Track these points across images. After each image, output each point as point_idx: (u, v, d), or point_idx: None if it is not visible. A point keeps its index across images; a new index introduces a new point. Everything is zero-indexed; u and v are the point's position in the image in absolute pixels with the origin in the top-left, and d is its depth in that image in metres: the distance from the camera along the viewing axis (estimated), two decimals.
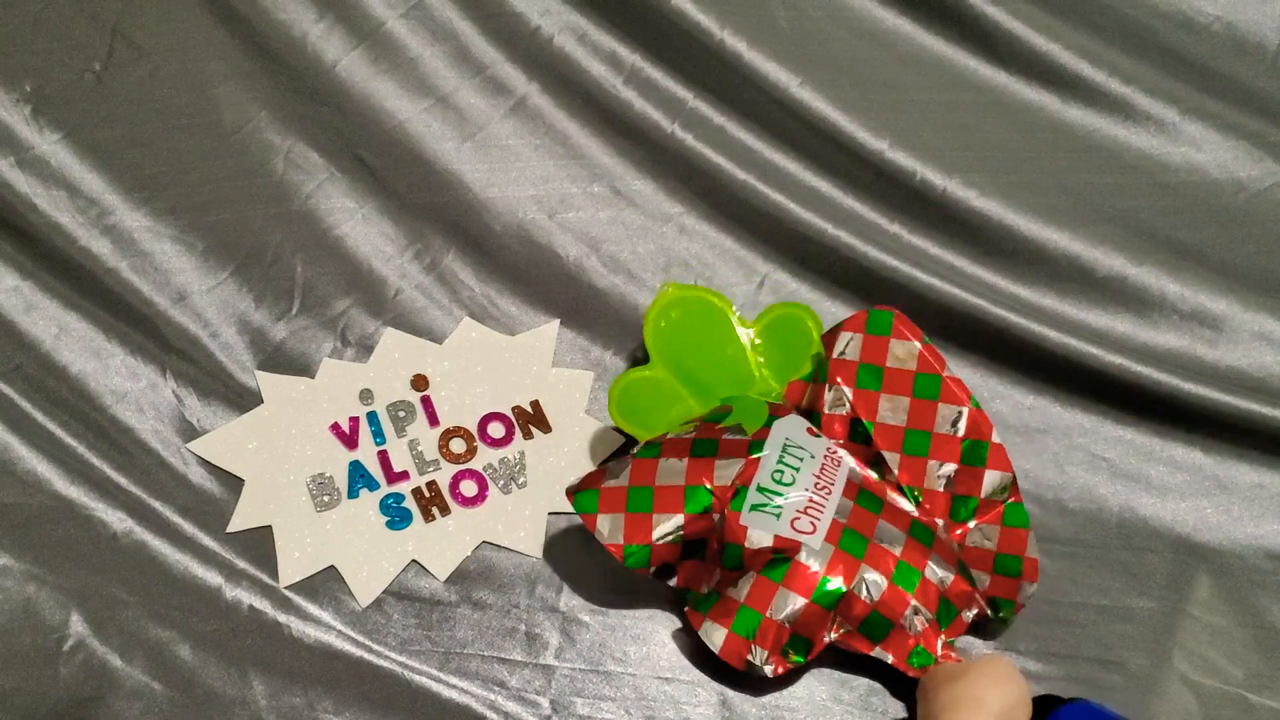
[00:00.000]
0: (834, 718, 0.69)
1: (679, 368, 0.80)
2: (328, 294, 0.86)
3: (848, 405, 0.74)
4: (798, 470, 0.70)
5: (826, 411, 0.75)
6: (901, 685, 0.70)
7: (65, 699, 0.67)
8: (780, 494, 0.69)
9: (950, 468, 0.72)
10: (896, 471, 0.73)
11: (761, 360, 0.80)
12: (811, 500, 0.69)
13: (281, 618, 0.71)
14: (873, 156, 0.84)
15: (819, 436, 0.74)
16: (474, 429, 0.81)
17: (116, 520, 0.73)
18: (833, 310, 0.86)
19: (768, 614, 0.66)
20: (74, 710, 0.67)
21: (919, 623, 0.67)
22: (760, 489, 0.69)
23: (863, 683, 0.71)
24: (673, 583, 0.71)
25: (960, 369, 0.84)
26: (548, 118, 0.88)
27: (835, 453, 0.73)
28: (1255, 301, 0.83)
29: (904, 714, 0.70)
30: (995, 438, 0.72)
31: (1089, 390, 0.82)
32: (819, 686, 0.70)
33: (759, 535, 0.68)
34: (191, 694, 0.68)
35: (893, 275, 0.83)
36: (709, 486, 0.70)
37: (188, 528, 0.74)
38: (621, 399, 0.78)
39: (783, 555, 0.67)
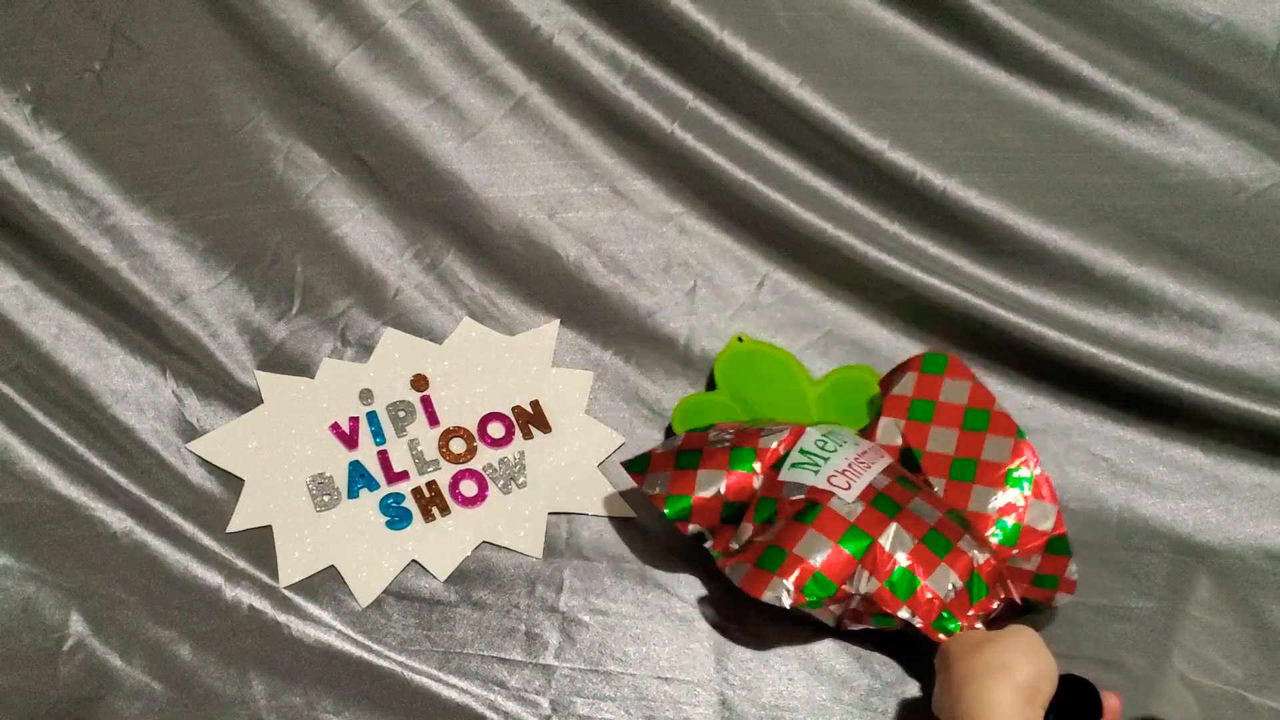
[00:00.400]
0: (834, 718, 0.69)
1: (743, 404, 0.82)
2: (328, 294, 0.86)
3: (899, 436, 0.76)
4: (841, 445, 0.73)
5: (879, 442, 0.77)
6: (901, 686, 0.70)
7: (65, 699, 0.67)
8: (822, 457, 0.71)
9: (994, 495, 0.72)
10: (942, 495, 0.74)
11: (820, 415, 0.82)
12: (849, 468, 0.71)
13: (281, 618, 0.71)
14: (872, 156, 0.84)
15: (867, 439, 0.76)
16: (474, 429, 0.81)
17: (116, 520, 0.73)
18: (832, 310, 0.86)
19: (794, 550, 0.67)
20: (74, 710, 0.67)
21: (948, 586, 0.67)
22: (803, 451, 0.72)
23: (863, 683, 0.71)
24: (708, 545, 0.72)
25: None
26: (548, 118, 0.88)
27: (879, 449, 0.75)
28: (1255, 301, 0.83)
29: (905, 714, 0.70)
30: (1039, 470, 0.73)
31: (1089, 390, 0.82)
32: (819, 686, 0.70)
33: (795, 488, 0.70)
34: (191, 694, 0.68)
35: (893, 275, 0.83)
36: (755, 448, 0.72)
37: (188, 528, 0.74)
38: (686, 417, 0.81)
39: (813, 503, 0.68)
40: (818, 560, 0.66)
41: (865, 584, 0.67)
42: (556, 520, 0.78)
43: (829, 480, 0.70)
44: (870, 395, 0.82)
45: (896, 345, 0.85)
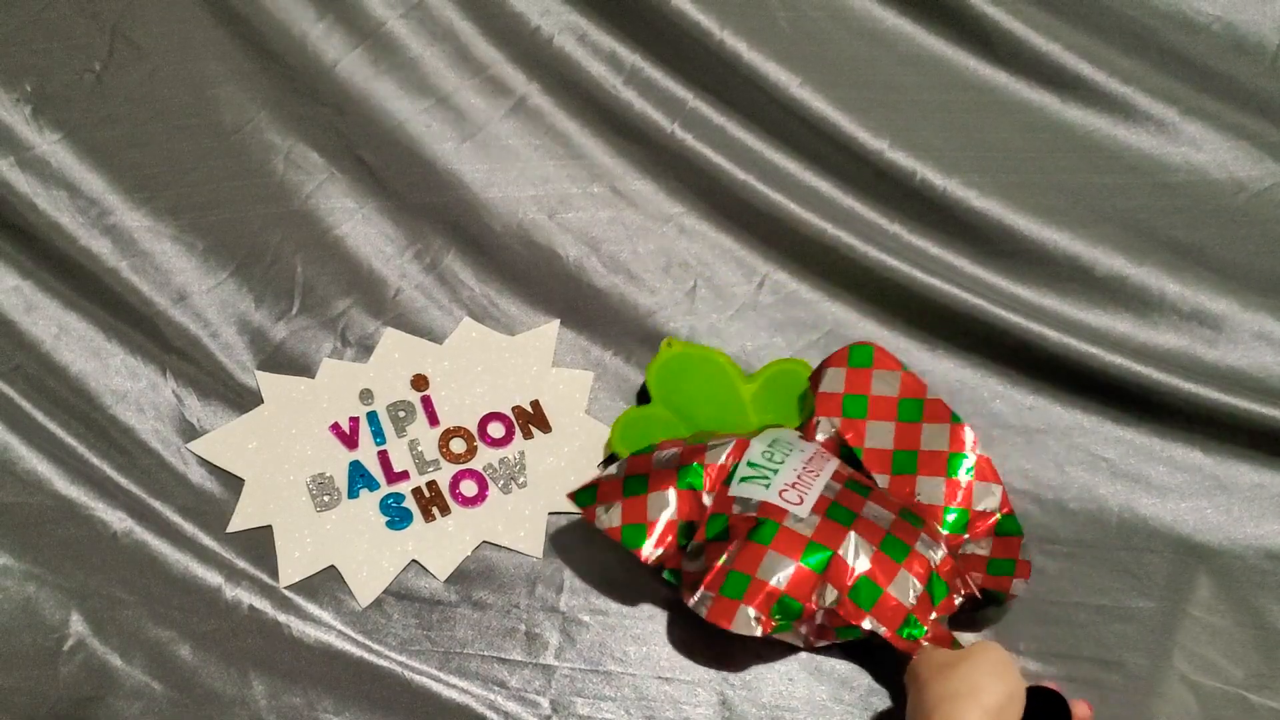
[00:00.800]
0: (834, 718, 0.69)
1: (680, 413, 0.81)
2: (328, 294, 0.86)
3: (836, 435, 0.76)
4: (788, 454, 0.72)
5: (818, 440, 0.77)
6: (902, 686, 0.70)
7: (65, 699, 0.67)
8: (771, 469, 0.70)
9: (939, 484, 0.73)
10: (888, 490, 0.74)
11: (758, 418, 0.81)
12: (800, 478, 0.70)
13: (281, 618, 0.71)
14: (873, 156, 0.84)
15: (811, 441, 0.75)
16: (474, 429, 0.81)
17: (116, 520, 0.73)
18: (832, 310, 0.86)
19: (756, 575, 0.66)
20: (74, 710, 0.67)
21: (910, 593, 0.67)
22: (750, 464, 0.71)
23: (864, 683, 0.71)
24: (666, 574, 0.71)
25: (960, 369, 0.84)
26: (548, 118, 0.88)
27: (825, 453, 0.74)
28: (1255, 301, 0.83)
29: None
30: (980, 451, 0.73)
31: (1089, 390, 0.82)
32: (819, 686, 0.70)
33: (747, 503, 0.69)
34: (191, 694, 0.68)
35: (893, 275, 0.83)
36: (701, 464, 0.71)
37: (188, 528, 0.74)
38: (625, 433, 0.80)
39: (769, 521, 0.68)
40: (782, 582, 0.66)
41: (829, 597, 0.67)
42: (556, 520, 0.78)
43: (780, 495, 0.69)
44: (803, 388, 0.81)
45: (896, 345, 0.85)
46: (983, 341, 0.83)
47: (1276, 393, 0.80)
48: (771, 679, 0.71)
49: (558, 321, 0.87)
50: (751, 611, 0.65)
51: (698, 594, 0.67)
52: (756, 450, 0.72)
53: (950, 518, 0.72)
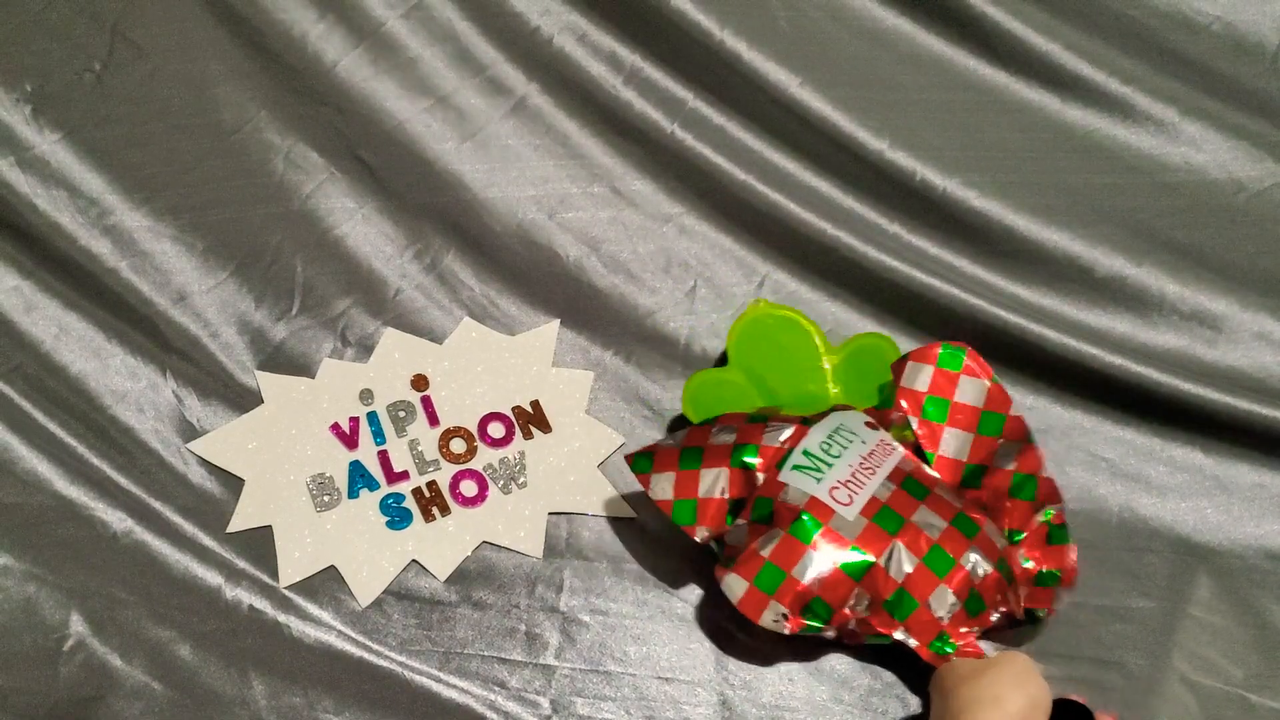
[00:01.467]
0: (834, 718, 0.69)
1: (754, 376, 0.81)
2: (328, 294, 0.86)
3: (912, 434, 0.75)
4: (846, 448, 0.71)
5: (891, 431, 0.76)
6: (901, 687, 0.70)
7: (65, 699, 0.67)
8: (826, 462, 0.70)
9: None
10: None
11: (837, 390, 0.81)
12: (853, 476, 0.69)
13: (281, 618, 0.71)
14: (873, 156, 0.84)
15: (876, 429, 0.74)
16: (474, 429, 0.81)
17: (116, 520, 0.74)
18: (832, 310, 0.86)
19: (792, 573, 0.66)
20: (74, 710, 0.67)
21: (945, 608, 0.66)
22: (806, 453, 0.70)
23: (864, 683, 0.71)
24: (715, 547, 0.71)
25: None
26: (548, 118, 0.88)
27: (889, 444, 0.73)
28: (1255, 301, 0.83)
29: (904, 714, 0.70)
30: (1045, 472, 0.73)
31: (1089, 390, 0.82)
32: (820, 687, 0.70)
33: (795, 492, 0.68)
34: (191, 694, 0.68)
35: (892, 275, 0.83)
36: (757, 445, 0.71)
37: (188, 528, 0.74)
38: (695, 395, 0.79)
39: (814, 518, 0.67)
40: (816, 584, 0.66)
41: (863, 604, 0.67)
42: (556, 520, 0.78)
43: (830, 492, 0.68)
44: (887, 365, 0.79)
45: (897, 345, 0.85)
46: (983, 341, 0.83)
47: (1276, 393, 0.80)
48: (771, 679, 0.71)
49: (558, 321, 0.87)
50: (782, 609, 0.66)
51: (730, 577, 0.67)
52: (815, 439, 0.71)
53: (1006, 535, 0.71)
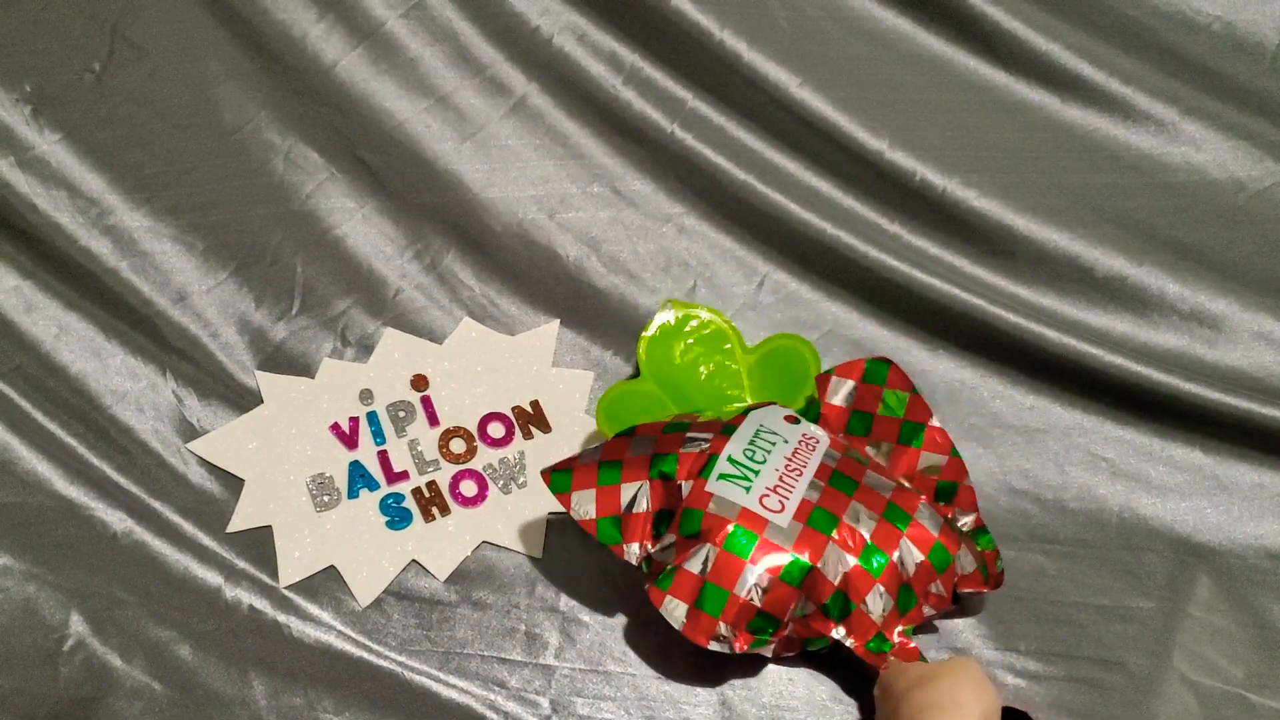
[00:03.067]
0: (834, 718, 0.69)
1: (669, 385, 0.80)
2: (328, 294, 0.86)
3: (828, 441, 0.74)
4: (770, 451, 0.70)
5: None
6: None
7: (65, 699, 0.67)
8: (752, 469, 0.69)
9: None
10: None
11: (753, 387, 0.81)
12: (781, 480, 0.68)
13: (281, 618, 0.71)
14: (873, 156, 0.84)
15: (797, 423, 0.73)
16: (474, 429, 0.81)
17: (116, 520, 0.73)
18: (832, 310, 0.86)
19: (734, 590, 0.65)
20: (74, 710, 0.67)
21: (880, 607, 0.66)
22: (731, 460, 0.69)
23: (864, 683, 0.70)
24: (643, 571, 0.69)
25: (960, 369, 0.84)
26: (548, 118, 0.88)
27: (811, 438, 0.72)
28: (1255, 301, 0.83)
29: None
30: (968, 481, 0.73)
31: (1089, 390, 0.82)
32: (819, 686, 0.70)
33: (724, 503, 0.67)
34: (191, 694, 0.68)
35: (893, 275, 0.83)
36: (676, 454, 0.69)
37: (188, 528, 0.74)
38: (610, 409, 0.79)
39: (747, 531, 0.66)
40: (759, 597, 0.65)
41: (804, 610, 0.66)
42: (557, 520, 0.78)
43: (761, 501, 0.67)
44: (804, 374, 0.79)
45: (896, 345, 0.85)
46: (983, 341, 0.83)
47: (1276, 393, 0.80)
48: (771, 679, 0.71)
49: (558, 321, 0.87)
50: (728, 629, 0.65)
51: (670, 601, 0.66)
52: (738, 446, 0.70)
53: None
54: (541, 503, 0.78)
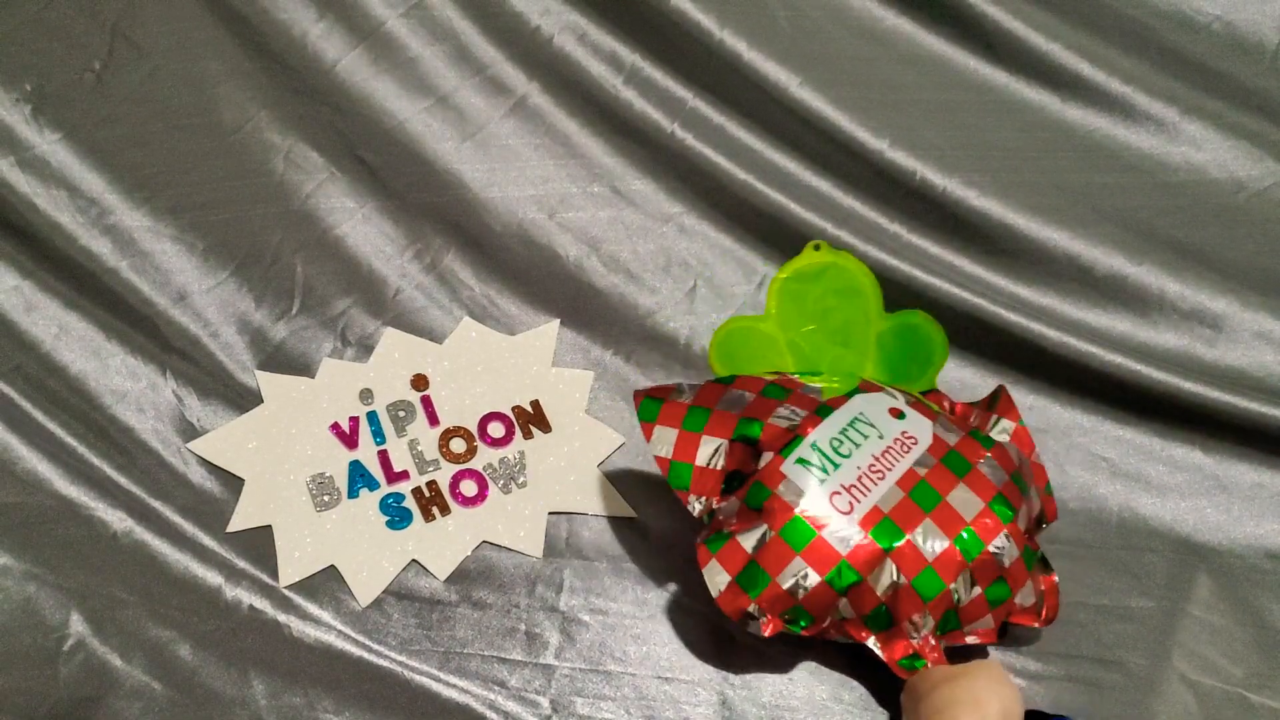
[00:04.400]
0: (834, 718, 0.69)
1: (792, 330, 0.77)
2: (328, 294, 0.86)
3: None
4: (859, 445, 0.67)
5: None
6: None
7: (65, 699, 0.67)
8: (834, 462, 0.66)
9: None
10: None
11: (878, 357, 0.77)
12: (860, 480, 0.66)
13: (281, 618, 0.71)
14: (873, 156, 0.84)
15: (902, 418, 0.69)
16: (474, 429, 0.81)
17: (116, 520, 0.73)
18: None
19: (776, 578, 0.64)
20: (74, 710, 0.67)
21: (924, 630, 0.65)
22: (814, 446, 0.66)
23: (864, 683, 0.70)
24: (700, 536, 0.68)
25: (960, 369, 0.84)
26: (548, 118, 0.88)
27: (910, 437, 0.68)
28: (1255, 301, 0.83)
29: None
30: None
31: (1089, 390, 0.82)
32: (819, 686, 0.70)
33: (794, 488, 0.65)
34: (191, 694, 0.68)
35: (892, 275, 0.83)
36: (763, 422, 0.68)
37: (188, 527, 0.74)
38: (724, 345, 0.77)
39: (808, 525, 0.64)
40: (800, 592, 0.64)
41: (843, 613, 0.66)
42: (556, 520, 0.78)
43: (832, 498, 0.65)
44: (929, 357, 0.76)
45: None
46: (983, 341, 0.83)
47: (1276, 392, 0.80)
48: (771, 679, 0.71)
49: (558, 321, 0.87)
50: (761, 612, 0.64)
51: (713, 565, 0.65)
52: (827, 433, 0.67)
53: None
54: (541, 502, 0.78)
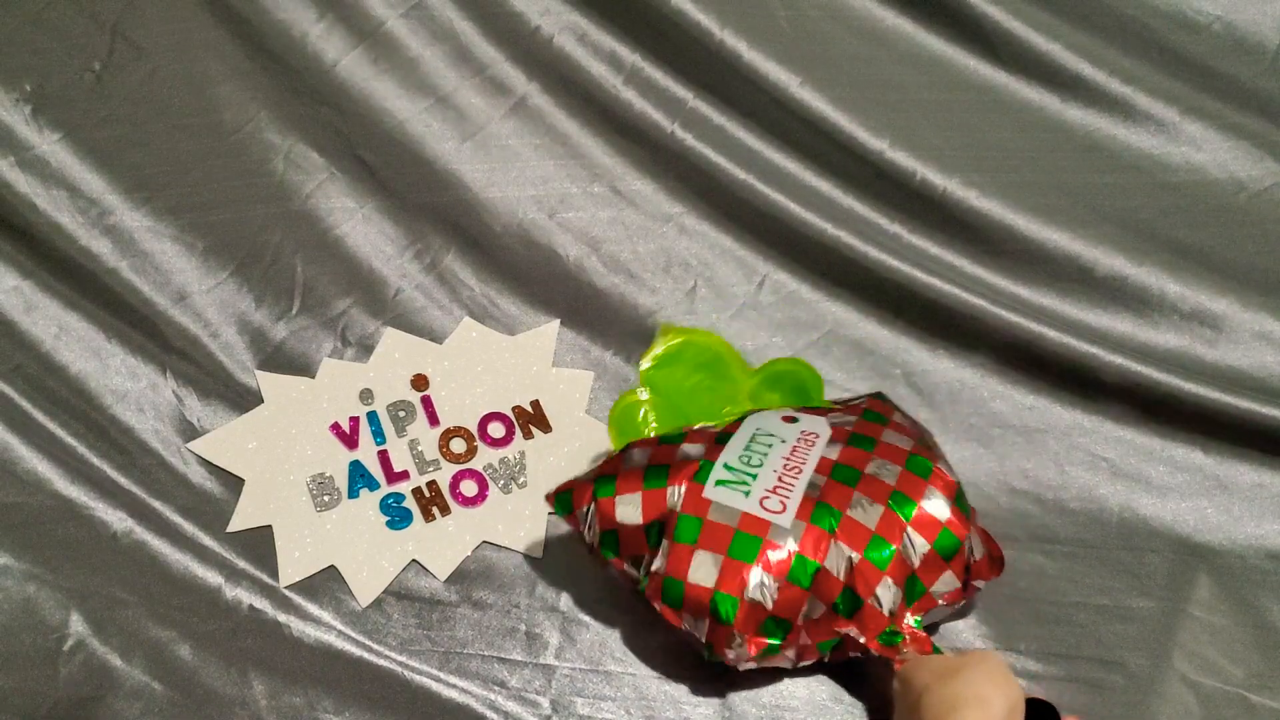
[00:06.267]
0: (834, 718, 0.69)
1: (674, 407, 0.81)
2: (328, 294, 0.86)
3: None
4: (766, 453, 0.69)
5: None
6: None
7: (65, 699, 0.67)
8: (749, 473, 0.68)
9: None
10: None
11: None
12: (781, 480, 0.68)
13: (281, 618, 0.71)
14: (873, 156, 0.84)
15: (795, 422, 0.72)
16: (474, 429, 0.81)
17: (116, 520, 0.73)
18: (832, 310, 0.86)
19: (744, 596, 0.64)
20: (74, 710, 0.67)
21: (890, 599, 0.66)
22: (727, 466, 0.68)
23: (864, 683, 0.70)
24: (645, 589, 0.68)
25: (960, 369, 0.84)
26: (548, 118, 0.88)
27: (811, 434, 0.71)
28: (1255, 301, 0.83)
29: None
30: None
31: (1089, 390, 0.82)
32: (819, 687, 0.70)
33: (723, 509, 0.66)
34: (191, 694, 0.68)
35: (893, 275, 0.83)
36: (669, 464, 0.69)
37: (188, 528, 0.74)
38: (619, 420, 0.80)
39: (751, 535, 0.65)
40: (769, 600, 0.64)
41: (815, 611, 0.66)
42: (557, 520, 0.78)
43: (761, 504, 0.66)
44: (804, 396, 0.80)
45: (897, 345, 0.85)
46: (983, 341, 0.83)
47: (1276, 393, 0.80)
48: (771, 679, 0.71)
49: (558, 321, 0.87)
50: (742, 637, 0.65)
51: (688, 619, 0.65)
52: (733, 452, 0.69)
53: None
54: (541, 503, 0.78)
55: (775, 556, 0.65)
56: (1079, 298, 0.85)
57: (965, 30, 0.84)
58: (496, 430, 0.81)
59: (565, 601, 0.74)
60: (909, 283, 0.83)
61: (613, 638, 0.72)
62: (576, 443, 0.81)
